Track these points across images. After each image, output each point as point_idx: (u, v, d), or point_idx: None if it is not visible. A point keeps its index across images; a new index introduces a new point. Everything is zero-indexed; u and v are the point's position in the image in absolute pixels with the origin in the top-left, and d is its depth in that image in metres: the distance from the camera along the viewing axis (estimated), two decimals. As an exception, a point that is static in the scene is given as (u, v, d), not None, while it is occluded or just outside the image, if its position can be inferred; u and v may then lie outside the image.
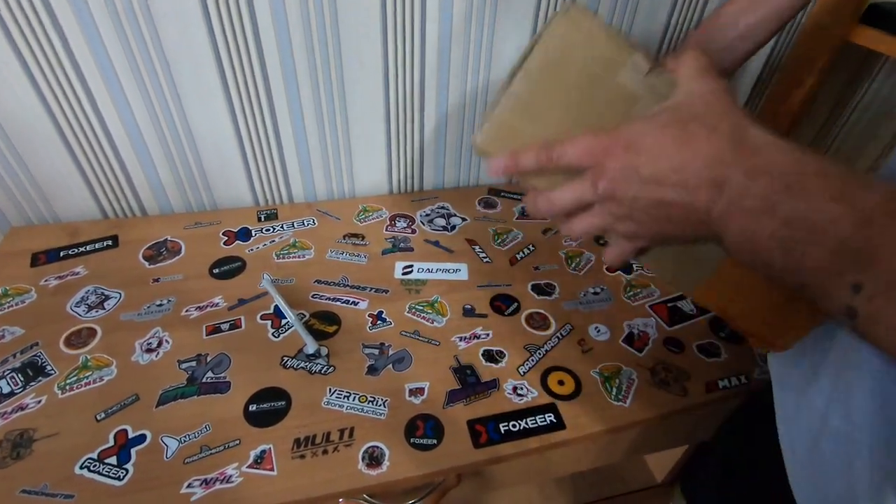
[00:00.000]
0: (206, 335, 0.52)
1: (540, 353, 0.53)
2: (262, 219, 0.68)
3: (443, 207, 0.73)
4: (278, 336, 0.53)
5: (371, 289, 0.59)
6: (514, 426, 0.46)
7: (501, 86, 0.37)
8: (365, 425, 0.46)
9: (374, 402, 0.47)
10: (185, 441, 0.44)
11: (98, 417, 0.45)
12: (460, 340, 0.54)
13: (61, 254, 0.61)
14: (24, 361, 0.49)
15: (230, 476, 0.41)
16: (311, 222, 0.69)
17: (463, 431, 0.46)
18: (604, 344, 0.55)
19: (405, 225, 0.69)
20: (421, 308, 0.57)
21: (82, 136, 0.61)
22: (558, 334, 0.55)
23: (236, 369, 0.49)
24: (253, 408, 0.46)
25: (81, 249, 0.61)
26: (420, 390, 0.49)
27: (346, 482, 0.42)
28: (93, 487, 0.40)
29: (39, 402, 0.46)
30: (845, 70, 0.84)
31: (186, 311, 0.55)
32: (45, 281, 0.57)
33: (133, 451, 0.43)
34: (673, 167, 0.26)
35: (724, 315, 0.39)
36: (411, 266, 0.62)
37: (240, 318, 0.54)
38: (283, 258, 0.62)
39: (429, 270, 0.62)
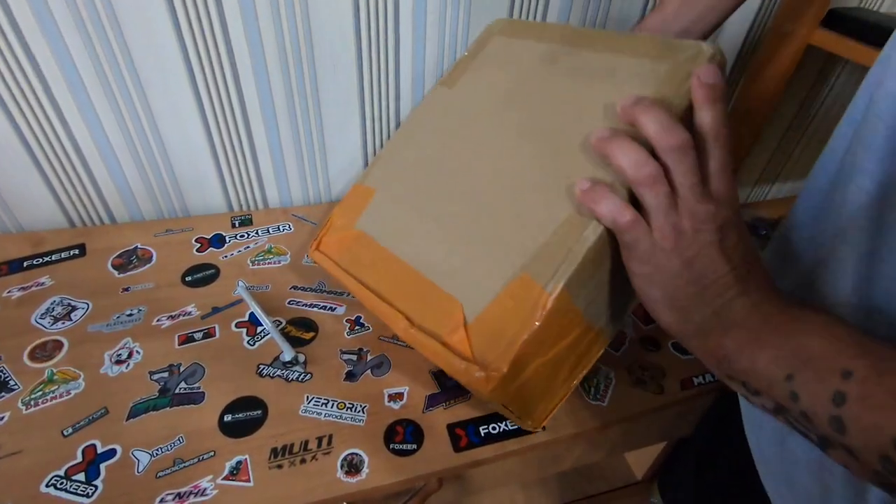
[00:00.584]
0: (179, 345, 0.51)
1: (519, 355, 0.53)
2: (237, 225, 0.67)
3: (420, 211, 0.73)
4: (254, 344, 0.52)
5: (349, 294, 0.58)
6: (493, 429, 0.46)
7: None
8: (343, 432, 0.45)
9: (353, 409, 0.47)
10: (157, 454, 0.42)
11: (65, 433, 0.43)
12: (439, 344, 0.53)
13: (25, 264, 0.58)
14: (-14, 377, 0.47)
15: (205, 489, 0.40)
16: (286, 228, 0.68)
17: (443, 435, 0.46)
18: (581, 344, 0.55)
19: (383, 229, 0.69)
20: (399, 312, 0.57)
21: (46, 143, 0.59)
22: (537, 335, 0.56)
23: (210, 379, 0.48)
24: (228, 418, 0.45)
25: (46, 259, 0.59)
26: (399, 395, 0.49)
27: (325, 490, 0.41)
28: (59, 506, 0.39)
29: (2, 418, 0.44)
30: (809, 72, 0.87)
31: (158, 320, 0.53)
32: (8, 292, 0.55)
33: (102, 466, 0.41)
34: (725, 220, 0.30)
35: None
36: (389, 270, 0.62)
37: (214, 327, 0.53)
38: (259, 264, 0.61)
39: (407, 274, 0.62)
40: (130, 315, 0.54)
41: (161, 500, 0.39)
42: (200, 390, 0.47)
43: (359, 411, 0.47)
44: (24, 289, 0.55)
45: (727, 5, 0.49)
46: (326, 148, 0.70)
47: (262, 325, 0.53)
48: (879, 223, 0.27)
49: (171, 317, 0.54)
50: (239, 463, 0.42)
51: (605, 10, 0.69)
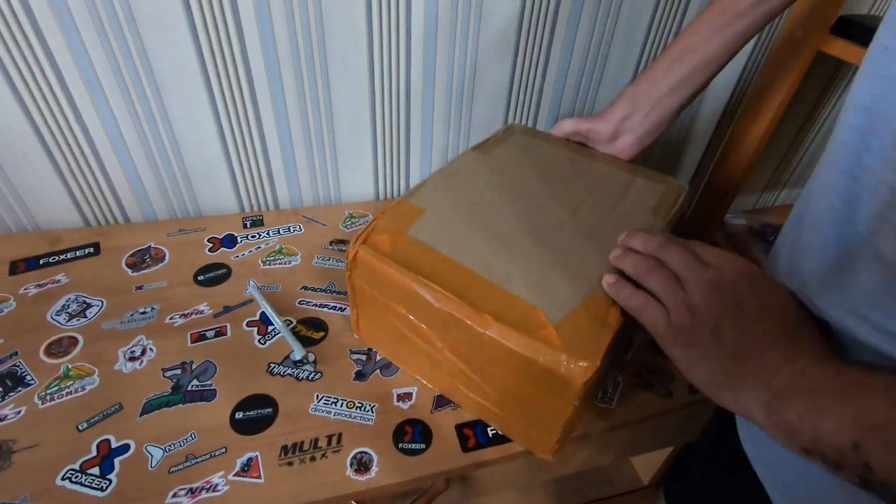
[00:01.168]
0: (191, 343, 0.52)
1: (527, 357, 0.54)
2: (248, 225, 0.68)
3: (429, 213, 0.74)
4: (265, 343, 0.53)
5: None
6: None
7: None
8: (353, 431, 0.46)
9: (362, 408, 0.47)
10: (170, 450, 0.43)
11: (80, 427, 0.44)
12: (448, 345, 0.54)
13: (41, 261, 0.59)
14: (3, 371, 0.48)
15: (216, 485, 0.41)
16: (297, 228, 0.68)
17: (451, 436, 0.46)
18: (589, 347, 0.56)
19: (392, 231, 0.70)
20: (408, 313, 0.57)
21: (63, 143, 0.60)
22: (544, 338, 0.56)
23: (222, 377, 0.49)
24: (239, 415, 0.46)
25: (62, 257, 0.60)
26: (408, 395, 0.49)
27: (334, 488, 0.42)
28: (75, 499, 0.39)
29: (19, 412, 0.45)
30: (818, 79, 0.87)
31: (171, 318, 0.54)
32: (25, 289, 0.56)
33: (116, 460, 0.42)
34: (761, 306, 0.31)
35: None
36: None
37: (225, 326, 0.54)
38: (270, 265, 0.62)
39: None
40: (144, 313, 0.54)
41: (174, 495, 0.40)
42: (212, 388, 0.48)
43: (368, 410, 0.47)
44: (40, 286, 0.56)
45: (717, 62, 0.51)
46: (337, 150, 0.71)
47: (272, 324, 0.54)
48: None
49: (184, 315, 0.55)
50: (250, 460, 0.43)
51: (599, 77, 0.70)
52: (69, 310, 0.54)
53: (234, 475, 0.42)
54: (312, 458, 0.43)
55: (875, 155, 0.27)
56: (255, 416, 0.46)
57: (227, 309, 0.56)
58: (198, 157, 0.66)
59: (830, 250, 0.30)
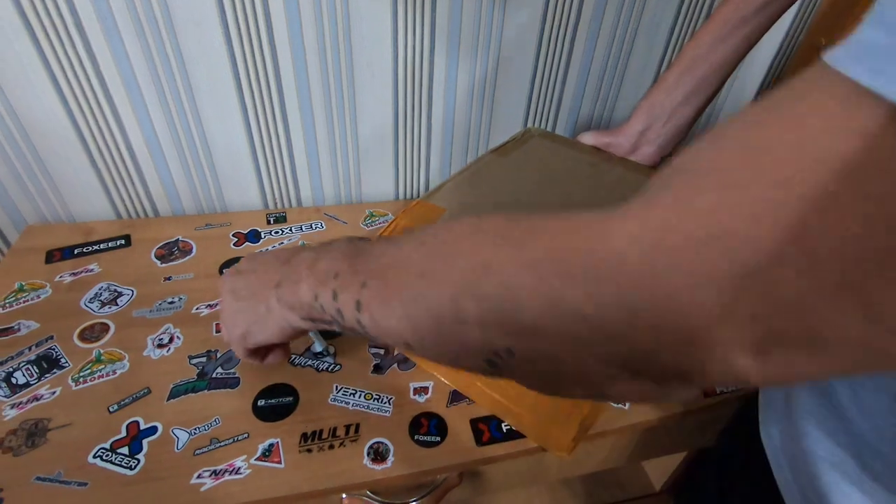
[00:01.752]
0: (216, 332, 0.54)
1: (541, 356, 0.54)
2: (272, 221, 0.70)
3: (448, 214, 0.75)
4: (286, 335, 0.54)
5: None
6: (515, 425, 0.47)
7: None
8: (370, 422, 0.47)
9: (380, 400, 0.49)
10: (195, 433, 0.45)
11: (111, 409, 0.46)
12: (464, 342, 0.55)
13: (76, 251, 0.62)
14: (40, 354, 0.50)
15: (239, 468, 0.43)
16: (318, 226, 0.70)
17: (466, 430, 0.47)
18: (604, 348, 0.56)
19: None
20: (426, 310, 0.58)
21: (101, 139, 0.62)
22: (560, 338, 0.57)
23: (245, 366, 0.51)
24: (261, 403, 0.48)
25: (95, 248, 0.63)
26: (424, 389, 0.50)
27: (351, 476, 0.43)
28: (106, 476, 0.41)
29: (54, 393, 0.47)
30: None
31: (197, 308, 0.56)
32: (60, 277, 0.58)
33: (144, 441, 0.44)
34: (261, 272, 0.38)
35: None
36: (417, 270, 0.64)
37: (249, 317, 0.56)
38: (292, 260, 0.64)
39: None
40: (172, 303, 0.57)
41: (198, 476, 0.42)
42: (236, 376, 0.50)
43: (385, 402, 0.48)
44: (74, 274, 0.59)
45: (726, 68, 0.52)
46: (360, 151, 0.72)
47: (294, 316, 0.55)
48: None
49: (210, 306, 0.57)
50: (271, 445, 0.44)
51: (619, 82, 0.71)
52: (101, 298, 0.56)
53: (256, 459, 0.43)
54: (331, 446, 0.45)
55: None
56: (276, 404, 0.48)
57: (250, 301, 0.58)
58: (226, 156, 0.68)
59: None
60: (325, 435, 0.45)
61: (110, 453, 0.43)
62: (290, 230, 0.69)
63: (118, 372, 0.49)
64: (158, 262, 0.62)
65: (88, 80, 0.58)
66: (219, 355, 0.51)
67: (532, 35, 0.68)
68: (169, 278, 0.60)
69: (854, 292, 0.14)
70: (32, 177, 0.63)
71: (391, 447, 0.45)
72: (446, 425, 0.47)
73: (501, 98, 0.73)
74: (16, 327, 0.52)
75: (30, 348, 0.50)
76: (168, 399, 0.47)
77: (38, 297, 0.56)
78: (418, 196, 0.80)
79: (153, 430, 0.45)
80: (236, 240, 0.66)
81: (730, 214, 0.15)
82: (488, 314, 0.21)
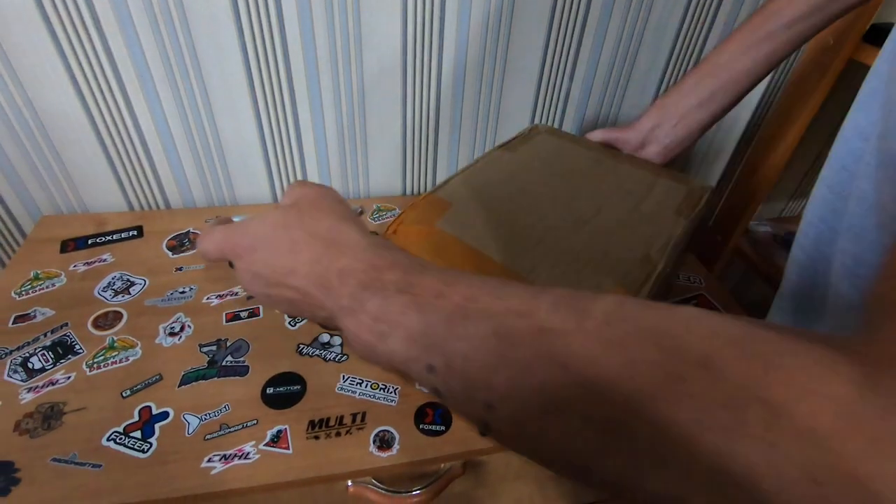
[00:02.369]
0: (226, 322, 0.55)
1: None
2: (281, 215, 0.71)
3: (454, 209, 0.76)
4: (295, 325, 0.55)
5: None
6: (519, 416, 0.48)
7: None
8: (376, 410, 0.48)
9: (386, 389, 0.49)
10: (205, 419, 0.46)
11: (124, 394, 0.47)
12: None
13: (89, 241, 0.63)
14: (55, 340, 0.51)
15: (248, 453, 0.44)
16: (327, 220, 0.71)
17: (470, 420, 0.48)
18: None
19: (418, 225, 0.72)
20: (432, 303, 0.59)
21: (115, 132, 0.64)
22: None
23: (254, 354, 0.52)
24: (270, 390, 0.48)
25: (108, 238, 0.64)
26: (430, 380, 0.51)
27: (357, 463, 0.44)
28: (119, 458, 0.42)
29: (69, 378, 0.48)
30: (849, 88, 0.86)
31: (207, 298, 0.57)
32: (74, 266, 0.60)
33: (157, 426, 0.45)
34: (286, 270, 0.28)
35: None
36: (423, 264, 0.65)
37: (258, 307, 0.57)
38: (300, 252, 0.65)
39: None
40: (183, 292, 0.58)
41: (209, 460, 0.43)
42: (245, 364, 0.51)
43: (391, 392, 0.49)
44: (88, 264, 0.60)
45: (748, 79, 0.52)
46: (368, 146, 0.73)
47: (302, 307, 0.56)
48: None
49: (220, 296, 0.58)
50: (280, 432, 0.45)
51: (626, 79, 0.71)
52: (114, 287, 0.58)
53: (265, 445, 0.44)
54: (338, 434, 0.46)
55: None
56: (284, 391, 0.49)
57: (259, 292, 0.59)
58: (236, 149, 0.69)
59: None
60: (332, 423, 0.46)
61: (123, 437, 0.44)
62: (299, 223, 0.70)
63: (131, 359, 0.50)
64: (170, 253, 0.63)
65: (104, 72, 0.59)
66: (228, 344, 0.52)
67: (539, 32, 0.68)
68: (180, 269, 0.61)
69: None
70: (48, 168, 0.65)
71: (397, 435, 0.46)
72: (451, 415, 0.48)
73: (509, 95, 0.73)
74: (32, 314, 0.53)
75: (45, 335, 0.51)
76: (179, 385, 0.48)
77: (53, 285, 0.57)
78: (425, 191, 0.81)
79: (165, 415, 0.46)
80: (246, 232, 0.67)
81: None
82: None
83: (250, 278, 0.29)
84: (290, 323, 0.55)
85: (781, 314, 0.40)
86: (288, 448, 0.44)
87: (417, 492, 0.49)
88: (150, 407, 0.46)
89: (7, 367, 0.48)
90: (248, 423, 0.46)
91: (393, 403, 0.48)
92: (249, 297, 0.57)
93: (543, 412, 0.18)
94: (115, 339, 0.52)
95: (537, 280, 0.42)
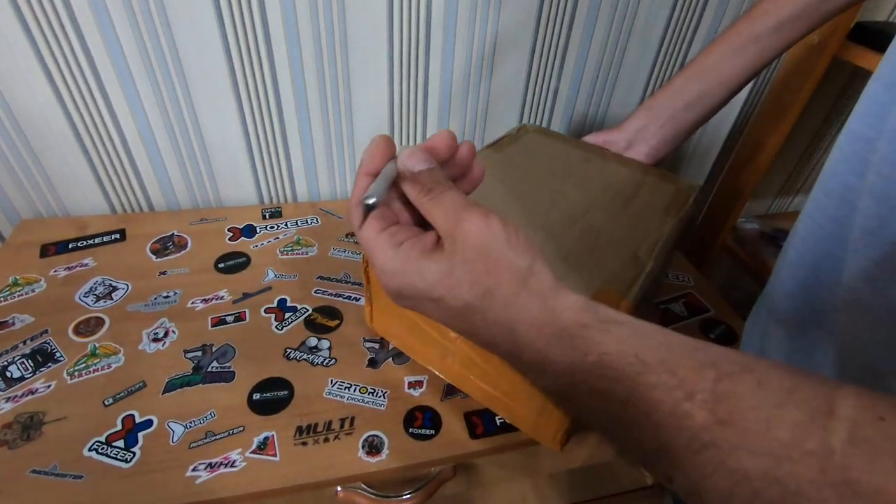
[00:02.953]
0: (212, 326, 0.54)
1: (535, 351, 0.55)
2: (267, 216, 0.70)
3: (443, 209, 0.75)
4: (282, 329, 0.54)
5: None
6: (509, 419, 0.48)
7: None
8: (365, 415, 0.47)
9: (375, 394, 0.49)
10: (190, 427, 0.45)
11: (106, 403, 0.46)
12: (458, 336, 0.55)
13: (70, 246, 0.62)
14: (34, 348, 0.50)
15: (234, 461, 0.43)
16: (314, 221, 0.70)
17: (460, 423, 0.47)
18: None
19: (406, 225, 0.71)
20: (421, 305, 0.59)
21: (95, 133, 0.62)
22: (553, 333, 0.57)
23: (240, 360, 0.51)
24: (257, 396, 0.48)
25: (90, 242, 0.63)
26: (419, 383, 0.50)
27: (346, 468, 0.43)
28: (101, 469, 0.41)
29: (49, 386, 0.47)
30: (834, 85, 0.87)
31: (192, 303, 0.56)
32: (55, 271, 0.58)
33: (140, 435, 0.44)
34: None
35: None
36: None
37: (244, 311, 0.56)
38: (287, 255, 0.64)
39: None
40: (167, 297, 0.57)
41: (194, 469, 0.42)
42: (231, 369, 0.50)
43: (380, 396, 0.49)
44: (69, 269, 0.59)
45: (734, 82, 0.52)
46: (356, 146, 0.72)
47: (289, 311, 0.56)
48: None
49: (205, 300, 0.57)
50: (266, 439, 0.45)
51: (615, 78, 0.71)
52: (96, 292, 0.56)
53: (251, 452, 0.43)
54: (326, 440, 0.45)
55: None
56: (271, 397, 0.48)
57: (245, 296, 0.58)
58: (221, 151, 0.68)
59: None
60: (320, 428, 0.46)
61: (106, 446, 0.43)
62: (286, 225, 0.69)
63: (113, 366, 0.49)
64: (153, 257, 0.62)
65: (82, 72, 0.57)
66: (214, 349, 0.51)
67: (527, 31, 0.68)
68: (164, 273, 0.60)
69: None
70: (26, 170, 0.63)
71: (386, 440, 0.45)
72: (440, 418, 0.48)
73: (496, 94, 0.73)
74: (10, 321, 0.52)
75: (24, 342, 0.50)
76: (163, 393, 0.47)
77: (33, 291, 0.56)
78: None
79: (148, 423, 0.45)
80: (231, 234, 0.66)
81: None
82: None
83: (399, 301, 0.28)
84: (276, 327, 0.54)
85: (772, 315, 0.40)
86: (275, 455, 0.43)
87: (408, 496, 0.49)
88: (133, 415, 0.45)
89: (-16, 376, 0.47)
90: (235, 430, 0.45)
91: (382, 408, 0.48)
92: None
93: None
94: (97, 345, 0.51)
95: None
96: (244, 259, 0.63)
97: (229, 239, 0.66)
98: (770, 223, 0.95)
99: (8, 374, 0.47)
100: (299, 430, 0.45)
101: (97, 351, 0.50)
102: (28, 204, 0.66)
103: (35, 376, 0.48)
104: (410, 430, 0.46)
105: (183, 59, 0.59)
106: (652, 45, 0.74)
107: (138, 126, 0.63)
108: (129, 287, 0.57)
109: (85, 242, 0.63)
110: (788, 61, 0.77)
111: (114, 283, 0.58)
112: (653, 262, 0.44)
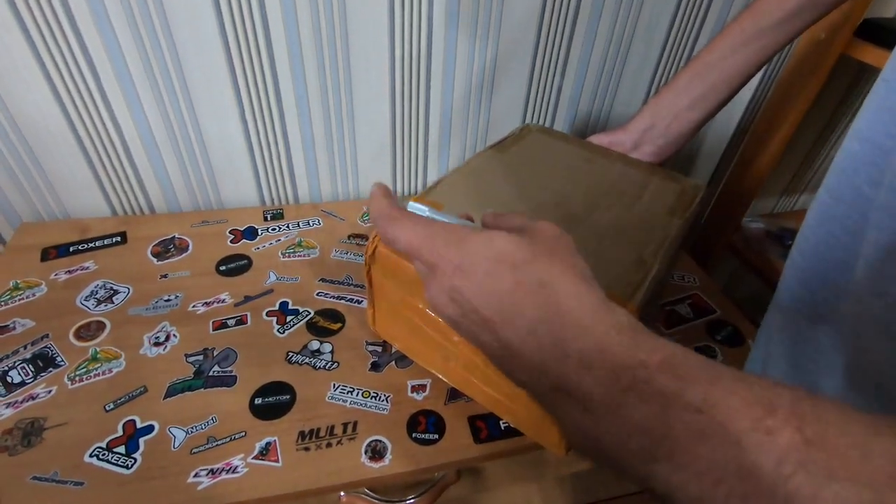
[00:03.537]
0: (213, 330, 0.53)
1: (540, 353, 0.54)
2: (269, 218, 0.70)
3: (446, 210, 0.75)
4: (283, 332, 0.54)
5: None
6: (513, 423, 0.47)
7: None
8: (368, 420, 0.47)
9: (377, 398, 0.48)
10: (192, 432, 0.44)
11: (107, 408, 0.46)
12: (462, 339, 0.55)
13: (71, 249, 0.62)
14: (35, 353, 0.50)
15: (236, 467, 0.42)
16: (316, 222, 0.70)
17: (464, 427, 0.47)
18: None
19: (408, 226, 0.71)
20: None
21: (95, 134, 0.62)
22: (558, 335, 0.56)
23: (242, 364, 0.50)
24: (258, 401, 0.47)
25: (91, 245, 0.63)
26: (422, 387, 0.50)
27: (349, 474, 0.43)
28: (102, 475, 0.41)
29: (50, 392, 0.46)
30: (841, 83, 0.86)
31: (193, 306, 0.56)
32: (56, 275, 0.58)
33: (141, 440, 0.44)
34: (501, 321, 0.24)
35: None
36: (414, 266, 0.64)
37: (246, 315, 0.55)
38: (289, 257, 0.64)
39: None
40: (168, 300, 0.56)
41: (195, 475, 0.41)
42: (233, 374, 0.49)
43: (383, 400, 0.48)
44: (70, 272, 0.59)
45: (738, 78, 0.51)
46: (357, 147, 0.72)
47: (291, 314, 0.55)
48: None
49: (206, 303, 0.56)
50: (268, 444, 0.44)
51: (618, 77, 0.70)
52: (97, 295, 0.56)
53: (253, 458, 0.43)
54: (328, 445, 0.45)
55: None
56: (273, 402, 0.47)
57: (247, 298, 0.57)
58: (222, 152, 0.68)
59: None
60: (322, 433, 0.45)
61: (107, 452, 0.42)
62: (288, 227, 0.69)
63: (114, 370, 0.49)
64: (154, 260, 0.62)
65: (81, 73, 0.57)
66: (215, 353, 0.51)
67: (530, 30, 0.67)
68: (165, 276, 0.59)
69: None
70: (26, 173, 0.63)
71: (389, 445, 0.45)
72: (444, 423, 0.47)
73: (499, 94, 0.72)
74: (11, 325, 0.52)
75: (25, 347, 0.50)
76: (165, 397, 0.47)
77: (34, 294, 0.55)
78: (416, 191, 0.80)
79: (150, 428, 0.45)
80: (233, 237, 0.66)
81: None
82: None
83: (446, 301, 0.25)
84: (278, 330, 0.54)
85: (777, 320, 0.39)
86: (277, 461, 0.43)
87: (412, 500, 0.49)
88: (134, 420, 0.45)
89: (-15, 381, 0.46)
90: (236, 436, 0.44)
91: (385, 412, 0.47)
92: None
93: None
94: (98, 350, 0.51)
95: None
96: (246, 261, 0.62)
97: (231, 241, 0.65)
98: (776, 222, 0.94)
99: (8, 379, 0.47)
100: (301, 435, 0.45)
101: (98, 355, 0.50)
102: (29, 207, 0.66)
103: (36, 381, 0.47)
104: (414, 434, 0.46)
105: (182, 58, 0.59)
106: (656, 43, 0.74)
107: (138, 127, 0.63)
108: (131, 290, 0.57)
109: (86, 245, 0.62)
110: (795, 58, 0.76)
111: (115, 287, 0.57)
112: (658, 265, 0.43)
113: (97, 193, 0.67)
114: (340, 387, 0.49)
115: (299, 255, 0.64)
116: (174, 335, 0.53)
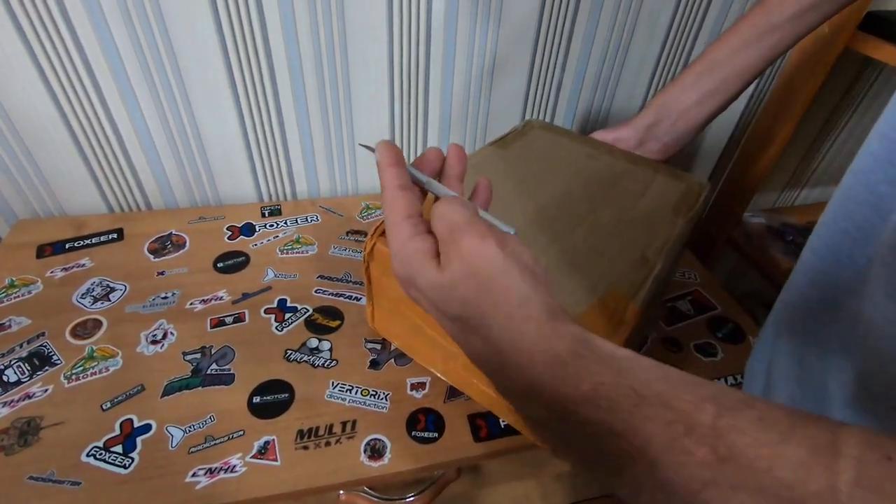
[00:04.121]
0: (211, 328, 0.53)
1: (540, 350, 0.54)
2: (266, 214, 0.69)
3: (445, 206, 0.74)
4: (282, 330, 0.53)
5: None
6: (513, 421, 0.47)
7: None
8: (367, 418, 0.46)
9: (376, 396, 0.48)
10: (189, 431, 0.44)
11: (104, 407, 0.45)
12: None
13: (67, 246, 0.61)
14: (31, 351, 0.49)
15: (234, 466, 0.42)
16: (314, 218, 0.69)
17: (464, 425, 0.47)
18: (603, 342, 0.56)
19: (408, 223, 0.70)
20: (423, 304, 0.58)
21: (90, 130, 0.61)
22: (558, 332, 0.56)
23: (240, 362, 0.50)
24: (257, 399, 0.47)
25: (87, 242, 0.62)
26: (422, 385, 0.50)
27: (348, 473, 0.42)
28: (99, 475, 0.41)
29: (46, 390, 0.46)
30: (844, 76, 0.85)
31: (191, 303, 0.55)
32: (52, 272, 0.57)
33: (138, 439, 0.43)
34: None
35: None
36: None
37: (244, 312, 0.55)
38: (287, 253, 0.63)
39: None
40: (165, 298, 0.56)
41: (193, 474, 0.41)
42: (231, 372, 0.49)
43: (382, 398, 0.48)
44: (66, 269, 0.58)
45: (748, 74, 0.50)
46: (356, 141, 0.71)
47: (290, 311, 0.55)
48: None
49: (204, 301, 0.56)
50: (267, 443, 0.44)
51: (619, 73, 0.69)
52: (94, 293, 0.56)
53: (252, 457, 0.43)
54: (328, 444, 0.44)
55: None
56: (271, 400, 0.47)
57: (245, 296, 0.57)
58: (219, 148, 0.67)
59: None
60: (321, 432, 0.45)
61: (104, 452, 0.42)
62: (286, 223, 0.68)
63: (111, 369, 0.48)
64: (151, 257, 0.61)
65: (76, 69, 0.56)
66: (213, 351, 0.51)
67: (530, 25, 0.66)
68: (162, 273, 0.59)
69: None
70: (21, 170, 0.62)
71: (388, 444, 0.45)
72: (444, 421, 0.47)
73: (499, 89, 0.72)
74: (7, 324, 0.51)
75: (21, 345, 0.50)
76: (162, 396, 0.47)
77: (30, 292, 0.55)
78: (415, 188, 0.79)
79: (147, 427, 0.44)
80: (230, 233, 0.65)
81: None
82: None
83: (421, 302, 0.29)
84: (276, 328, 0.54)
85: (784, 324, 0.38)
86: (276, 459, 0.43)
87: (411, 498, 0.48)
88: (131, 419, 0.45)
89: (-20, 380, 0.46)
90: (235, 435, 0.44)
91: (384, 410, 0.47)
92: (234, 301, 0.55)
93: None
94: (95, 348, 0.50)
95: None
96: (243, 258, 0.62)
97: (228, 238, 0.65)
98: (777, 217, 0.94)
99: (4, 378, 0.47)
100: (300, 433, 0.45)
101: (95, 354, 0.50)
102: (24, 204, 0.65)
103: (32, 380, 0.47)
104: (413, 433, 0.46)
105: (178, 53, 0.58)
106: (657, 38, 0.73)
107: (134, 122, 0.62)
108: (127, 288, 0.57)
109: (82, 242, 0.62)
110: (798, 52, 0.75)
111: (111, 284, 0.57)
112: (661, 263, 0.43)
113: (93, 190, 0.66)
114: (339, 385, 0.49)
115: (297, 252, 0.63)
116: (171, 333, 0.52)
